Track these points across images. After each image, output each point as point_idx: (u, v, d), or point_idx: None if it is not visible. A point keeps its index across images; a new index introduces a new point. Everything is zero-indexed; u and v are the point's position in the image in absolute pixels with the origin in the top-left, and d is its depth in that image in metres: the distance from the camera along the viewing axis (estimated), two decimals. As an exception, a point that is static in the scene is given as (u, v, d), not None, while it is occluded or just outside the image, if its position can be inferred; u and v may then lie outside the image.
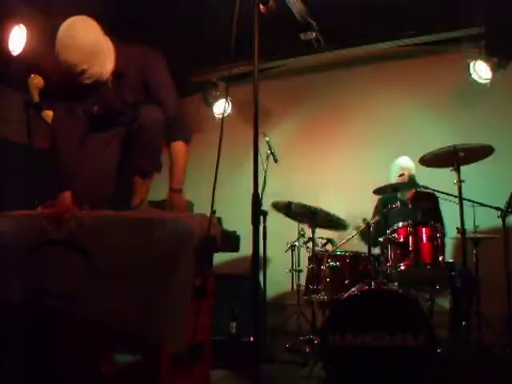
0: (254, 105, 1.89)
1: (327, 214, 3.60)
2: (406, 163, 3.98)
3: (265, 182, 3.64)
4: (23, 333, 1.97)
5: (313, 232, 3.69)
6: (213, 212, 2.04)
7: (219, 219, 2.34)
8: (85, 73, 2.37)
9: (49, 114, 2.57)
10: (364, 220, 3.29)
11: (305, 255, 3.92)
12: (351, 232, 3.72)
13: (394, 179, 3.93)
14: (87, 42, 2.34)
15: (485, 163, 3.31)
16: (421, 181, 3.76)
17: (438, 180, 3.54)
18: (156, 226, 2.00)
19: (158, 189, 2.79)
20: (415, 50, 4.65)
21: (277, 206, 3.77)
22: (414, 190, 3.95)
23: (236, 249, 2.46)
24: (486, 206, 3.48)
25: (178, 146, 2.59)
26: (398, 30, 4.41)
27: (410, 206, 3.83)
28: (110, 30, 2.58)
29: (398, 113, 4.79)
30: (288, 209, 3.72)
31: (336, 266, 3.40)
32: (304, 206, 3.61)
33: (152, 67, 2.59)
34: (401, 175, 3.91)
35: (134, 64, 2.56)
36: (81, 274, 1.96)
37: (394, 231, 3.20)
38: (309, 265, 3.67)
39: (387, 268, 3.17)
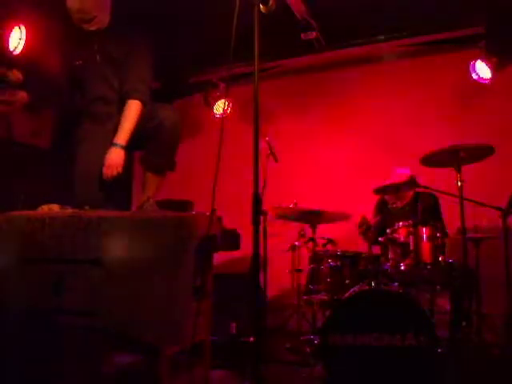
0: (254, 105, 1.89)
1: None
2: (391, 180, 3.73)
3: (265, 181, 3.63)
4: (26, 335, 1.97)
5: (313, 232, 3.69)
6: (213, 211, 2.04)
7: (219, 218, 2.34)
8: (93, 20, 2.50)
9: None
10: (363, 219, 3.26)
11: (305, 255, 3.91)
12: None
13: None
14: None
15: (485, 163, 3.31)
16: (421, 181, 3.75)
17: (439, 180, 3.53)
18: (157, 225, 2.00)
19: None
20: (415, 50, 4.65)
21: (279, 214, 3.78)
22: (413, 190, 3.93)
23: (236, 247, 2.45)
24: (486, 205, 3.47)
25: (134, 105, 2.61)
26: (397, 29, 4.41)
27: (409, 205, 3.82)
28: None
29: (399, 112, 4.79)
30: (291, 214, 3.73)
31: (336, 266, 3.39)
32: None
33: (138, 43, 2.68)
34: None
35: (123, 33, 2.66)
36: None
37: (395, 231, 3.20)
38: (309, 265, 3.67)
39: (387, 268, 3.17)
